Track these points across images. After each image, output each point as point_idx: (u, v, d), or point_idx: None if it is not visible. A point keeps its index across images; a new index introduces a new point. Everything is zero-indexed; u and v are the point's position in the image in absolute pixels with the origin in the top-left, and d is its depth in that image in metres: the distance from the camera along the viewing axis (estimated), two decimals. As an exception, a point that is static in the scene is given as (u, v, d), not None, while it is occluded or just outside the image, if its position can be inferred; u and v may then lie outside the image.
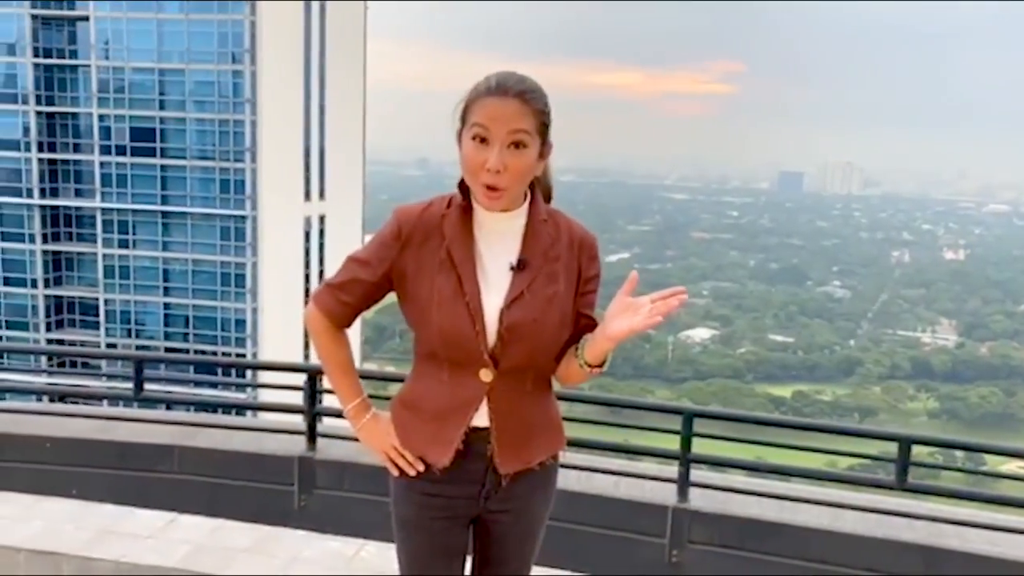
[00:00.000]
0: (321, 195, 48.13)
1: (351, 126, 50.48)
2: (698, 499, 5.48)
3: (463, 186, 2.14)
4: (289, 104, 45.12)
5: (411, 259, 2.13)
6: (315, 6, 46.50)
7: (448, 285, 2.09)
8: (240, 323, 44.11)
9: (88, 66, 44.16)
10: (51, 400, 9.46)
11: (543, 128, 2.08)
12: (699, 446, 5.42)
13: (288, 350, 42.71)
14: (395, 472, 2.22)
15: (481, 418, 2.14)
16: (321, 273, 47.97)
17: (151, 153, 44.00)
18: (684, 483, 5.42)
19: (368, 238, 2.36)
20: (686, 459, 5.39)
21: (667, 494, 5.49)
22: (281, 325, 44.36)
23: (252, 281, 44.02)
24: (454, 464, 2.15)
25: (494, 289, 2.10)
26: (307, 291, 47.22)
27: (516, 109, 2.03)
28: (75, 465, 6.20)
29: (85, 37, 44.27)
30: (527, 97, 2.04)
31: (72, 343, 44.50)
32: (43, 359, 38.49)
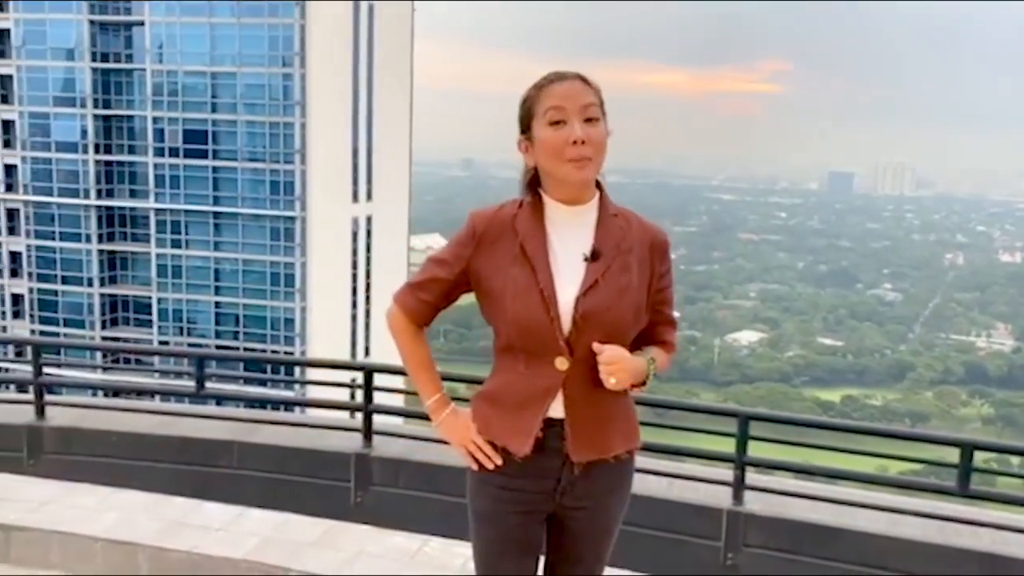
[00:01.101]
0: (368, 196, 48.61)
1: (398, 128, 50.90)
2: (753, 502, 5.45)
3: (531, 185, 2.22)
4: (338, 106, 45.64)
5: (486, 257, 2.20)
6: (363, 9, 46.98)
7: (522, 276, 2.15)
8: (289, 322, 44.74)
9: (143, 70, 45.17)
10: (105, 395, 9.72)
11: (603, 108, 2.18)
12: (751, 449, 5.39)
13: (335, 349, 43.24)
14: (474, 466, 2.27)
15: (557, 409, 2.18)
16: (368, 273, 48.45)
17: (203, 155, 44.85)
18: (739, 486, 5.39)
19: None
20: (741, 462, 5.37)
21: (721, 497, 5.48)
22: (329, 324, 44.91)
23: (301, 281, 44.62)
24: (531, 457, 2.19)
25: (568, 279, 2.15)
26: (354, 290, 47.74)
27: (581, 87, 2.16)
28: (139, 459, 6.39)
29: (140, 42, 45.30)
30: (585, 78, 2.18)
31: (126, 341, 45.52)
32: (99, 356, 39.44)
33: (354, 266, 47.99)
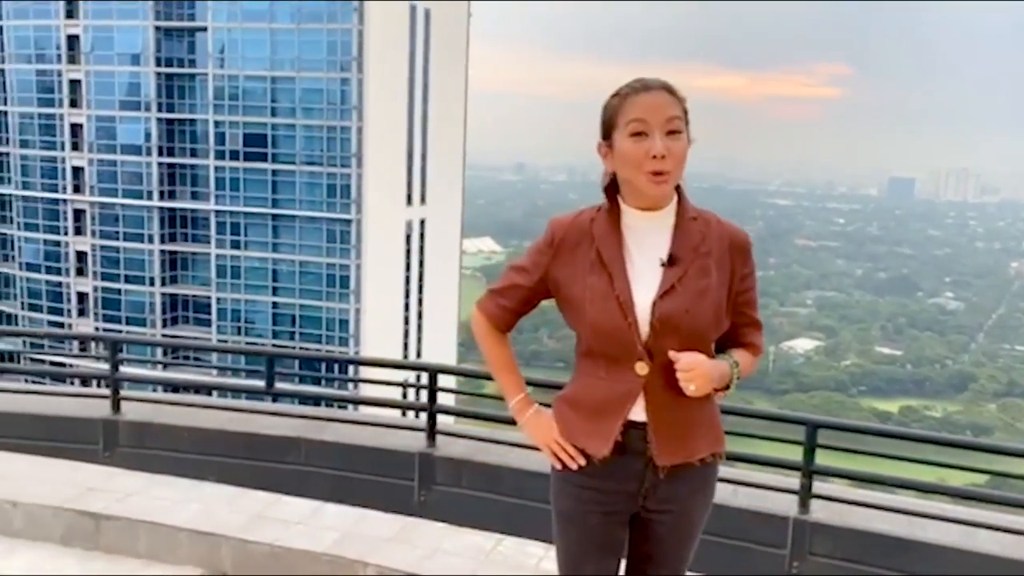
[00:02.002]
0: (422, 199, 49.03)
1: (452, 131, 51.28)
2: (819, 511, 5.39)
3: (608, 191, 2.23)
4: (393, 110, 46.13)
5: (564, 264, 2.23)
6: (420, 13, 47.42)
7: (600, 283, 2.17)
8: (343, 323, 45.31)
9: (205, 74, 46.19)
10: (165, 390, 9.97)
11: (687, 118, 2.17)
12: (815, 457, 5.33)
13: (388, 349, 43.66)
14: (557, 465, 2.30)
15: (638, 412, 2.19)
16: (421, 275, 48.90)
17: (262, 158, 45.68)
18: (806, 494, 5.34)
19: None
20: (808, 470, 5.31)
21: (787, 505, 5.42)
22: (382, 325, 45.38)
23: (355, 282, 45.17)
24: (613, 459, 2.20)
25: (645, 284, 2.16)
26: (407, 292, 48.19)
27: (666, 99, 2.14)
28: (209, 454, 6.56)
29: (203, 47, 46.33)
30: (671, 88, 2.16)
31: (187, 339, 46.54)
32: (159, 353, 40.34)
33: (407, 268, 48.44)
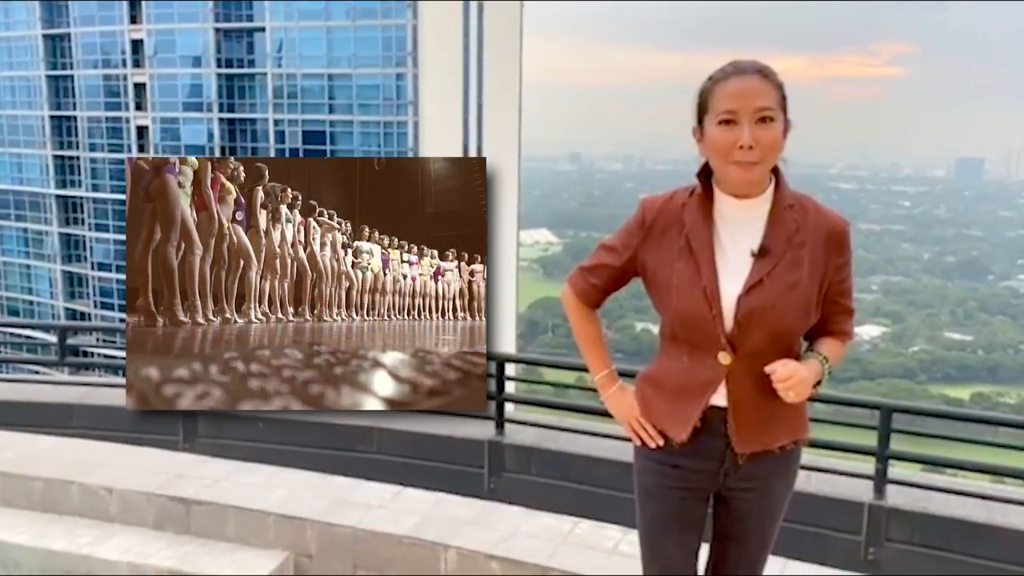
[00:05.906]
0: (479, 192, 49.26)
1: (507, 124, 51.33)
2: (895, 496, 5.31)
3: (702, 176, 2.19)
4: (448, 105, 46.40)
5: (653, 247, 2.22)
6: (473, 8, 47.58)
7: (687, 271, 2.15)
8: (404, 316, 45.81)
9: (264, 74, 47.10)
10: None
11: (783, 103, 2.11)
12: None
13: (448, 343, 44.01)
14: (637, 442, 2.33)
15: (719, 398, 2.19)
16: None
17: (322, 155, 46.41)
18: (881, 479, 5.27)
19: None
20: (883, 455, 5.24)
21: (861, 490, 5.36)
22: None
23: (416, 277, 45.62)
24: (693, 439, 2.21)
25: (733, 275, 2.13)
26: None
27: (758, 85, 2.07)
28: (284, 444, 6.74)
29: (261, 47, 47.25)
30: (766, 72, 2.09)
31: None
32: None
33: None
